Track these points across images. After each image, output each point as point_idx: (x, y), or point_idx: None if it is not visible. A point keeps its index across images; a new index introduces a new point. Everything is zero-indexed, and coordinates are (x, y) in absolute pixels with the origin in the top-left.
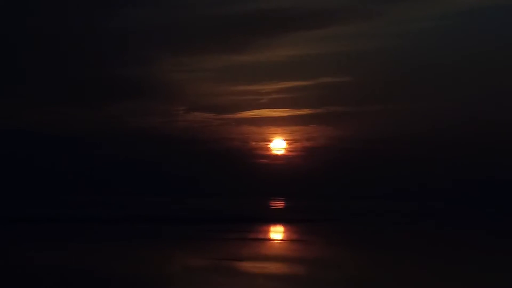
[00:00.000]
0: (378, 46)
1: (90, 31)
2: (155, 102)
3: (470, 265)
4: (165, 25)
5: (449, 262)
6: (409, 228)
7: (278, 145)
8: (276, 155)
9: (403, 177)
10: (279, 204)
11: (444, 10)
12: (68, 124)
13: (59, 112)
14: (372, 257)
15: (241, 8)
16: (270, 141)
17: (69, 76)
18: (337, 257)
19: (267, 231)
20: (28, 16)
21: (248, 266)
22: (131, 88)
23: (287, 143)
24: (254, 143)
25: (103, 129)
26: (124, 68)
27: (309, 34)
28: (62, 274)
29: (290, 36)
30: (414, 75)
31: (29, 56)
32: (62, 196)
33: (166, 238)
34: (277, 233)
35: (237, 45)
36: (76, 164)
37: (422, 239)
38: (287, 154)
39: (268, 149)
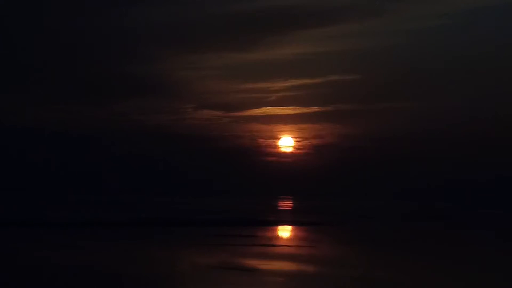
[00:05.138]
0: (387, 44)
1: (98, 29)
2: (164, 100)
3: (476, 266)
4: (174, 23)
5: (457, 262)
6: (419, 228)
7: (286, 143)
8: (284, 153)
9: (412, 176)
10: (287, 204)
11: (453, 8)
12: (75, 122)
13: (66, 110)
14: (381, 260)
15: (249, 6)
16: (278, 138)
17: (77, 74)
18: (346, 259)
19: (276, 234)
20: (35, 15)
21: (255, 268)
22: (140, 86)
23: (295, 141)
24: (262, 140)
25: (111, 127)
26: (133, 66)
27: (318, 32)
28: (69, 273)
29: (299, 34)
30: (422, 73)
31: (37, 54)
32: (69, 195)
33: (173, 240)
34: (285, 236)
35: (245, 43)
36: (84, 162)
37: (433, 240)
38: (295, 152)
39: (276, 147)
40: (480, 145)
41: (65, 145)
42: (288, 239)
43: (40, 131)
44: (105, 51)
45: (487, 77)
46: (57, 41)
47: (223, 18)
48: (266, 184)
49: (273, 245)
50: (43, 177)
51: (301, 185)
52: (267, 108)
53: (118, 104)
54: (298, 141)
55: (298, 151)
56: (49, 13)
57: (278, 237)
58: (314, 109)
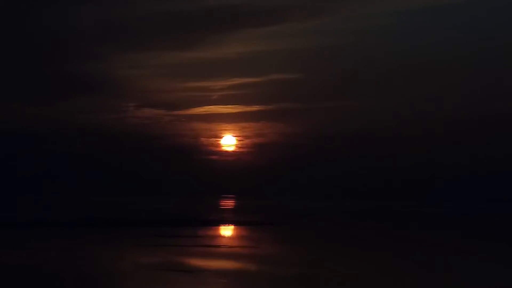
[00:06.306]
0: (330, 44)
1: (42, 28)
2: (106, 98)
3: (414, 263)
4: (117, 22)
5: (398, 260)
6: (361, 227)
7: (229, 142)
8: (227, 152)
9: (356, 175)
10: (229, 203)
11: (398, 8)
12: (18, 121)
13: (9, 108)
14: (323, 258)
15: (192, 5)
16: (220, 137)
17: (20, 73)
18: (289, 258)
19: (218, 234)
20: None
21: (198, 269)
22: (83, 84)
23: (237, 140)
24: (204, 139)
25: (54, 126)
26: (76, 64)
27: (261, 31)
28: (9, 274)
29: (242, 33)
30: (365, 73)
31: None
32: (11, 194)
33: (114, 240)
34: (228, 236)
35: (188, 41)
36: (26, 161)
37: (375, 238)
38: (237, 150)
39: (218, 145)
40: (428, 144)
41: (8, 143)
42: (231, 239)
43: None
44: (49, 50)
45: (436, 77)
46: (2, 42)
47: (166, 17)
48: (209, 182)
49: (216, 245)
50: None
51: (244, 183)
52: (210, 106)
53: (61, 102)
54: (240, 140)
55: (240, 149)
56: None
57: (221, 237)
58: (256, 107)
